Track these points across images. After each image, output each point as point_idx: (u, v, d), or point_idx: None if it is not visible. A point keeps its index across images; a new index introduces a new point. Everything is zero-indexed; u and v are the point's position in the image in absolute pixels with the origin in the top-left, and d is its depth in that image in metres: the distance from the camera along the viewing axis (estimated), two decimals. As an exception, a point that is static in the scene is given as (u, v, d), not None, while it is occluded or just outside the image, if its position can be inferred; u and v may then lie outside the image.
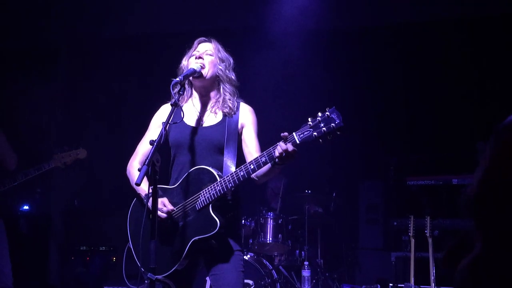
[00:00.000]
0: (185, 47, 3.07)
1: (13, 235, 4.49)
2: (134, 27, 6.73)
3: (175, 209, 2.78)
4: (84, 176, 6.48)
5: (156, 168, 2.47)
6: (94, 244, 6.10)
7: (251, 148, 2.91)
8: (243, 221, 5.46)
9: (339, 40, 6.46)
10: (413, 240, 4.61)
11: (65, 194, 6.59)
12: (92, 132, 6.76)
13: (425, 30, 6.30)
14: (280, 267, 5.45)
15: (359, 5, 6.19)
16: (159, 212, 2.72)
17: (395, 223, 5.15)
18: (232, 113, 2.93)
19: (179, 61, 3.05)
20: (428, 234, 4.56)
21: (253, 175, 2.71)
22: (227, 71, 2.98)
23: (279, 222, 5.53)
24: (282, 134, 2.54)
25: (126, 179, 3.07)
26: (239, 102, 3.01)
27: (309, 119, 2.50)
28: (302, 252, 5.65)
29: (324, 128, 2.45)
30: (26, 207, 6.14)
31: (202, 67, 2.88)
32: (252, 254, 5.22)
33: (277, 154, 2.53)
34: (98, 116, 6.88)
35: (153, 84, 6.07)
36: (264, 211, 5.65)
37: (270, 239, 5.46)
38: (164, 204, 2.77)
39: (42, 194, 6.22)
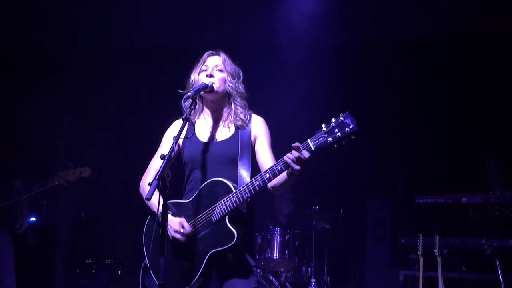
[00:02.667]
0: (192, 60, 3.07)
1: (19, 246, 4.48)
2: (142, 39, 6.78)
3: (192, 229, 2.76)
4: (90, 188, 6.48)
5: (167, 183, 2.46)
6: (100, 257, 6.08)
7: (265, 159, 2.90)
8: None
9: (347, 53, 6.47)
10: (421, 259, 4.55)
11: (71, 205, 6.59)
12: (99, 143, 6.79)
13: (436, 44, 6.31)
14: (287, 283, 5.41)
15: (368, 19, 6.20)
16: (177, 235, 2.72)
17: (403, 241, 5.09)
18: (245, 125, 2.93)
19: (187, 74, 3.06)
20: (437, 253, 4.49)
21: (269, 185, 2.69)
22: (237, 85, 2.98)
23: (286, 238, 5.50)
24: (293, 145, 2.51)
25: (133, 192, 3.06)
26: (251, 114, 3.02)
27: (323, 125, 2.47)
28: (309, 268, 5.60)
29: (338, 133, 2.42)
30: (33, 219, 6.13)
31: (214, 83, 2.88)
32: (259, 270, 5.18)
33: (291, 161, 2.50)
34: (105, 127, 6.90)
35: (160, 95, 6.12)
36: (271, 227, 5.62)
37: (277, 255, 5.43)
38: (183, 226, 2.75)
39: (49, 206, 6.21)
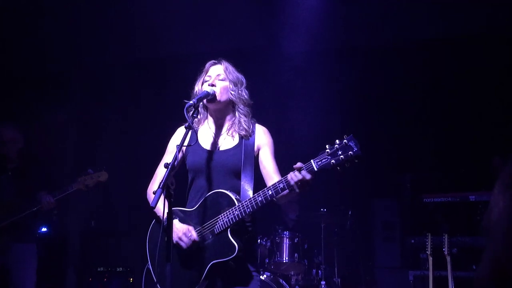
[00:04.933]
0: (197, 69, 3.10)
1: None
2: (146, 50, 6.83)
3: (197, 239, 2.78)
4: (100, 197, 6.54)
5: (171, 191, 2.49)
6: (112, 265, 6.13)
7: (269, 170, 2.92)
8: (259, 240, 5.44)
9: (354, 58, 6.48)
10: (431, 258, 4.55)
11: (82, 215, 6.64)
12: (107, 154, 6.83)
13: (439, 47, 6.30)
14: (297, 286, 5.41)
15: (373, 24, 6.22)
16: (181, 242, 2.74)
17: (412, 241, 5.09)
18: (248, 135, 2.95)
19: (192, 83, 3.09)
20: (446, 252, 4.49)
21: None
22: (240, 92, 2.99)
23: (295, 241, 5.50)
24: (296, 165, 2.54)
25: (141, 199, 3.09)
26: (254, 124, 3.03)
27: (327, 146, 2.51)
28: (319, 271, 5.60)
29: (342, 156, 2.46)
30: (44, 229, 6.20)
31: (215, 92, 2.91)
32: (269, 273, 5.19)
33: (294, 182, 2.54)
34: (112, 138, 6.96)
35: (165, 104, 6.15)
36: (279, 230, 5.63)
37: (287, 258, 5.43)
38: (191, 234, 2.76)
39: (60, 216, 6.27)
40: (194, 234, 2.76)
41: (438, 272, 4.57)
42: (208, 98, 2.89)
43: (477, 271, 1.26)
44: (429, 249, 4.62)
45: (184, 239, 2.74)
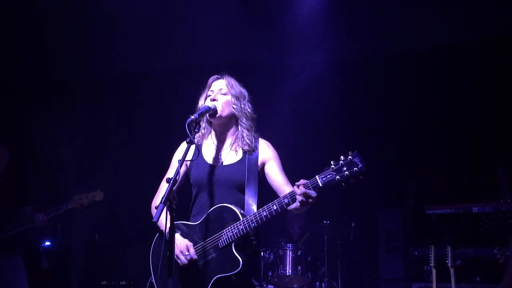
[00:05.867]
0: (200, 81, 3.12)
1: (34, 271, 4.55)
2: (150, 62, 6.87)
3: (195, 257, 2.79)
4: (103, 210, 6.55)
5: (173, 206, 2.51)
6: (115, 279, 6.12)
7: (280, 182, 2.92)
8: (262, 253, 5.44)
9: (356, 68, 6.51)
10: (434, 270, 4.53)
11: (85, 229, 6.65)
12: (111, 165, 6.86)
13: (442, 56, 6.32)
14: (301, 299, 5.39)
15: (375, 34, 6.24)
16: (181, 256, 2.76)
17: (416, 253, 5.08)
18: (252, 150, 2.96)
19: (195, 94, 3.11)
20: (449, 264, 4.48)
21: None
22: (242, 106, 3.00)
23: (298, 253, 5.50)
24: (299, 182, 2.55)
25: (145, 212, 3.11)
26: (258, 138, 3.04)
27: (332, 162, 2.52)
28: (323, 283, 5.58)
29: (347, 172, 2.47)
30: (47, 243, 6.21)
31: (217, 107, 2.93)
32: (272, 286, 5.19)
33: (299, 197, 2.55)
34: (116, 149, 6.98)
35: (169, 117, 6.19)
36: (283, 243, 5.62)
37: (290, 271, 5.42)
38: (188, 250, 2.78)
39: (63, 230, 6.29)
40: (192, 252, 2.77)
41: (442, 284, 4.56)
42: (210, 112, 2.91)
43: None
44: (432, 261, 4.60)
45: (181, 257, 2.76)
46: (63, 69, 6.89)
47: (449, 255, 4.51)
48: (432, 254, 4.59)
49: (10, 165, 4.67)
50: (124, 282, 6.10)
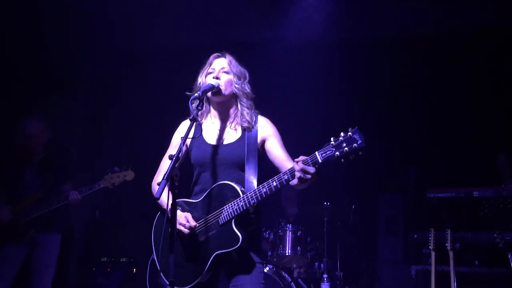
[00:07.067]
0: (201, 61, 3.10)
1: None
2: (150, 41, 6.82)
3: (197, 224, 2.83)
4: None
5: (175, 183, 2.51)
6: (115, 256, 6.17)
7: (281, 158, 2.92)
8: (262, 233, 5.46)
9: (360, 52, 6.47)
10: (433, 253, 4.55)
11: (86, 206, 6.67)
12: (112, 146, 6.85)
13: (445, 41, 6.28)
14: (299, 279, 5.43)
15: (377, 18, 6.19)
16: (181, 228, 2.79)
17: (415, 236, 5.09)
18: (251, 127, 2.96)
19: (196, 74, 3.08)
20: (449, 248, 4.49)
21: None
22: (243, 86, 3.01)
23: (298, 234, 5.52)
24: (298, 159, 2.55)
25: (146, 191, 3.12)
26: (257, 115, 3.04)
27: (332, 139, 2.52)
28: (321, 264, 5.61)
29: (346, 148, 2.46)
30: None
31: (220, 85, 2.92)
32: (271, 266, 5.22)
33: (297, 175, 2.55)
34: (117, 130, 6.97)
35: (169, 98, 6.15)
36: (283, 223, 5.65)
37: (289, 251, 5.45)
38: (187, 220, 2.81)
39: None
40: (191, 220, 2.80)
41: (440, 267, 4.58)
42: (213, 90, 2.89)
43: None
44: (431, 244, 4.61)
45: (182, 228, 2.79)
46: (65, 55, 6.82)
47: (449, 238, 4.52)
48: (432, 237, 4.60)
49: (50, 142, 4.71)
50: (124, 259, 6.16)
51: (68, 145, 5.54)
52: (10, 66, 6.45)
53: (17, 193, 4.51)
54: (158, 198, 2.45)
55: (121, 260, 6.16)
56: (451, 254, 4.49)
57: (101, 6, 5.80)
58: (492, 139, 5.88)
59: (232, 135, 2.99)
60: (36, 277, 4.45)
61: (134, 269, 6.12)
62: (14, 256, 4.44)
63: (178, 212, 2.84)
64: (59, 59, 6.87)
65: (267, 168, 2.99)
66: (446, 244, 4.53)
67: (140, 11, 5.97)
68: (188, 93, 2.91)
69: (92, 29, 6.27)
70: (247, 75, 3.07)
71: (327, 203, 5.76)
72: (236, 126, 3.00)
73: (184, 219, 2.81)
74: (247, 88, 3.03)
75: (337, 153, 2.48)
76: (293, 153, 2.77)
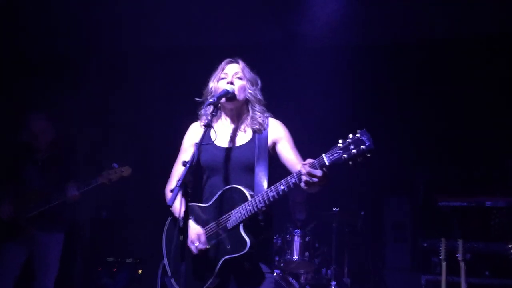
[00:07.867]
0: (210, 61, 3.08)
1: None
2: (160, 40, 6.78)
3: (208, 246, 2.79)
4: (111, 187, 6.53)
5: (188, 190, 2.48)
6: (121, 256, 6.14)
7: (293, 161, 2.88)
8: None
9: (371, 55, 6.41)
10: (444, 263, 4.49)
11: (92, 205, 6.64)
12: (119, 144, 6.82)
13: (453, 46, 6.22)
14: (307, 286, 5.38)
15: (389, 22, 6.14)
16: (191, 246, 2.76)
17: (425, 244, 5.04)
18: (262, 129, 2.93)
19: (206, 74, 3.06)
20: (460, 258, 4.43)
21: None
22: (256, 92, 3.00)
23: (306, 239, 5.47)
24: (305, 161, 2.52)
25: (153, 190, 3.10)
26: (268, 117, 3.02)
27: (340, 141, 2.47)
28: (329, 270, 5.55)
29: (354, 150, 2.41)
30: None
31: (234, 90, 2.89)
32: (278, 271, 5.18)
33: (304, 178, 2.52)
34: (125, 128, 6.94)
35: (177, 96, 6.12)
36: (290, 228, 5.59)
37: (297, 257, 5.40)
38: (199, 239, 2.78)
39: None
40: (203, 241, 2.78)
41: (451, 278, 4.52)
42: (228, 96, 2.87)
43: None
44: (442, 254, 4.55)
45: (192, 247, 2.76)
46: (74, 47, 6.80)
47: (460, 248, 4.46)
48: (443, 247, 4.54)
49: (55, 141, 4.68)
50: (130, 260, 6.13)
51: (73, 143, 5.50)
52: (15, 61, 6.45)
53: (21, 190, 4.49)
54: (171, 206, 2.42)
55: (127, 260, 6.14)
56: (462, 264, 4.43)
57: (108, 3, 5.77)
58: (504, 144, 5.81)
59: (242, 137, 2.97)
60: (38, 276, 4.43)
61: (140, 270, 6.09)
62: (15, 254, 4.42)
63: (191, 224, 2.80)
64: (66, 55, 6.87)
65: (282, 170, 2.94)
66: (457, 254, 4.47)
67: (150, 8, 5.92)
68: (198, 99, 2.89)
69: (100, 25, 6.23)
70: (259, 81, 3.05)
71: (336, 209, 5.70)
72: (246, 128, 2.97)
73: (196, 237, 2.77)
74: (259, 95, 3.02)
75: (344, 155, 2.43)
76: (306, 155, 2.71)
